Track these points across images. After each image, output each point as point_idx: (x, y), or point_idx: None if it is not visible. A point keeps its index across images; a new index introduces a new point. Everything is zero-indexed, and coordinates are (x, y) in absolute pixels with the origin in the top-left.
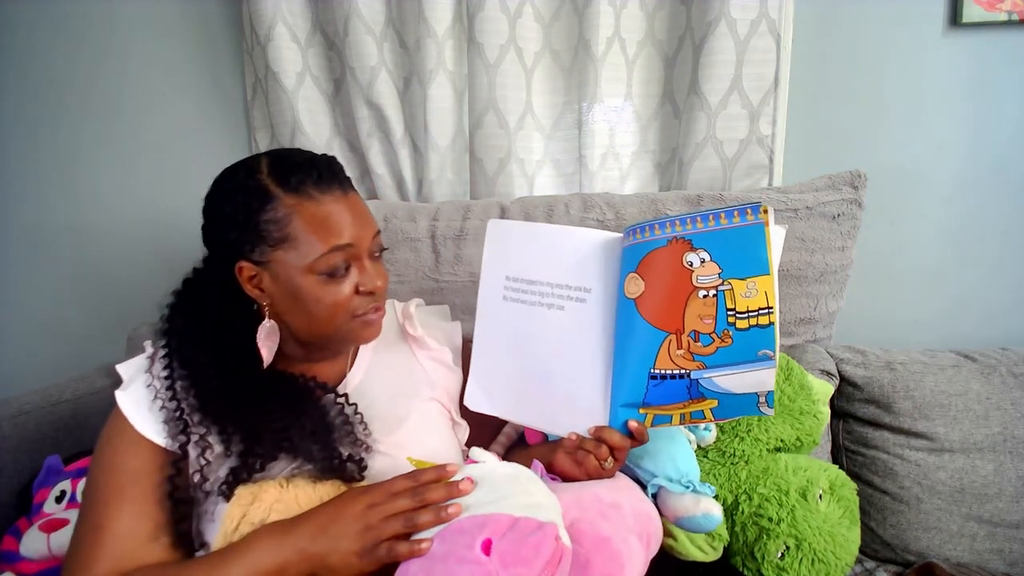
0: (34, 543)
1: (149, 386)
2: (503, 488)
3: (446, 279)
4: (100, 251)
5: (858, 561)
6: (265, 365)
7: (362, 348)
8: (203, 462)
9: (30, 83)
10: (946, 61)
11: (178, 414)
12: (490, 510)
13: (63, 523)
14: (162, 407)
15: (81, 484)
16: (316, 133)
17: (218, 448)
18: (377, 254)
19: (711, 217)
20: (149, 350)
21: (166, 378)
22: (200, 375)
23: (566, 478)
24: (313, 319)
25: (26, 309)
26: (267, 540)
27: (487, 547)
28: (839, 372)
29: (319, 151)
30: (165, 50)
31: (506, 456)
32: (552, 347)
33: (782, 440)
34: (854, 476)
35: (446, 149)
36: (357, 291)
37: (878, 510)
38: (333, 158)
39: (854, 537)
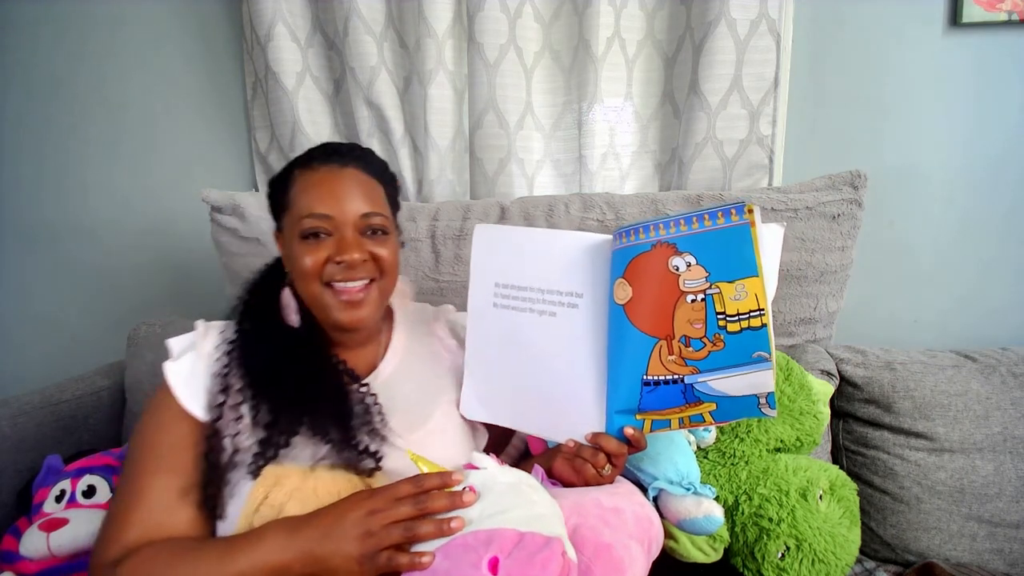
0: (34, 543)
1: (203, 355)
2: (506, 499)
3: (446, 279)
4: (100, 251)
5: (858, 561)
6: (296, 325)
7: (394, 343)
8: (234, 431)
9: (30, 82)
10: (946, 61)
11: (226, 372)
12: (494, 524)
13: (63, 522)
14: (211, 365)
15: (80, 484)
16: (316, 133)
17: (247, 419)
18: (370, 233)
19: (695, 219)
20: (201, 328)
21: (230, 342)
22: (254, 340)
23: (565, 484)
24: (297, 280)
25: (27, 309)
26: (276, 537)
27: (494, 565)
28: (839, 372)
29: None
30: (165, 50)
31: (515, 467)
32: (546, 354)
33: (782, 441)
34: (854, 476)
35: (446, 149)
36: (331, 259)
37: (878, 510)
38: (366, 148)
39: (854, 537)
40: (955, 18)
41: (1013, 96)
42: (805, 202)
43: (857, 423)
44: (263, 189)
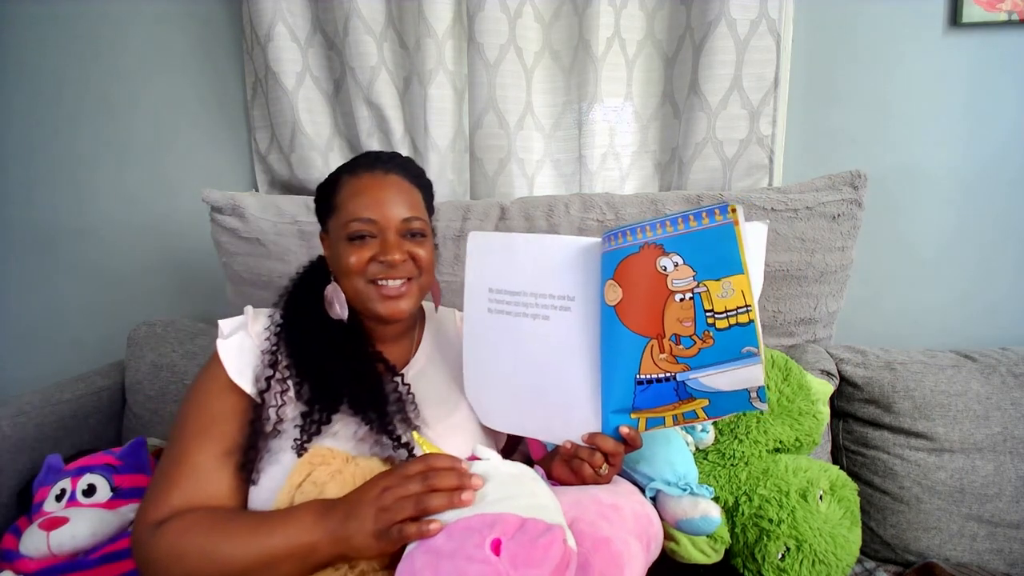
0: (34, 541)
1: (252, 335)
2: (509, 487)
3: (446, 279)
4: (100, 251)
5: (858, 561)
6: (344, 318)
7: (424, 340)
8: (279, 402)
9: (29, 82)
10: (946, 61)
11: (274, 350)
12: (497, 509)
13: (63, 521)
14: (260, 344)
15: (80, 483)
16: (316, 133)
17: (291, 392)
18: (409, 235)
19: (680, 220)
20: (250, 312)
21: (278, 325)
22: (301, 326)
23: (564, 485)
24: (342, 277)
25: (27, 309)
26: (307, 518)
27: (496, 547)
28: (839, 372)
29: (319, 151)
30: (165, 50)
31: None
32: (541, 357)
33: (781, 441)
34: (854, 476)
35: (446, 149)
36: (375, 259)
37: (878, 510)
38: (407, 157)
39: (855, 538)
40: (955, 18)
41: (1012, 96)
42: (805, 202)
43: (857, 423)
44: (263, 189)
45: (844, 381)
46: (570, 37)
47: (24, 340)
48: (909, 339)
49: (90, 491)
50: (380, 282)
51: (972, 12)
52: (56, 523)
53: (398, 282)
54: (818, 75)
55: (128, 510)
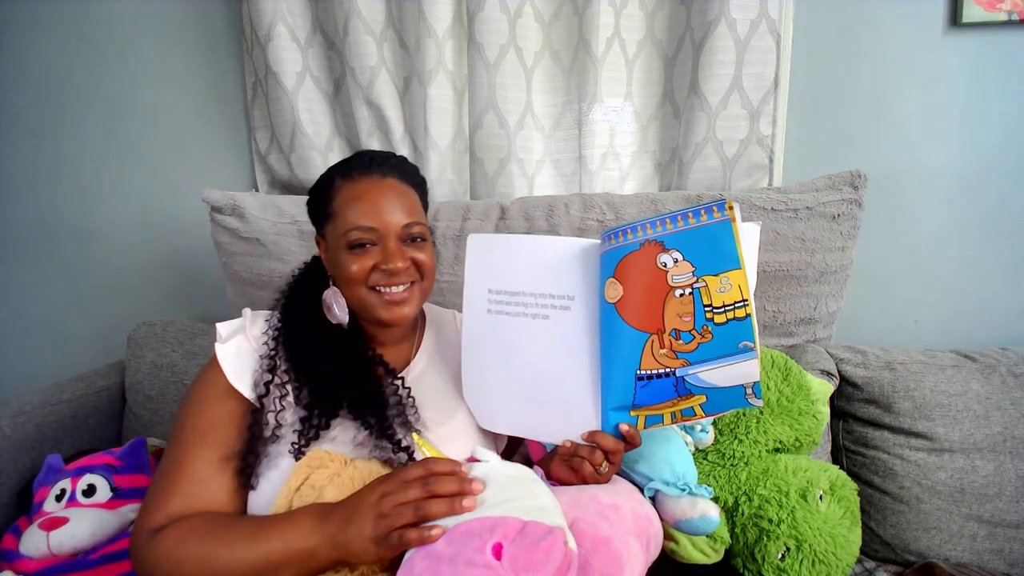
0: (34, 541)
1: (251, 338)
2: (509, 490)
3: (446, 279)
4: (100, 251)
5: (858, 561)
6: (345, 323)
7: (425, 342)
8: (278, 407)
9: (30, 82)
10: (946, 61)
11: (272, 354)
12: (497, 512)
13: (63, 521)
14: (258, 348)
15: (80, 483)
16: (316, 133)
17: (291, 398)
18: (410, 240)
19: (679, 218)
20: (248, 315)
21: (275, 328)
22: (299, 330)
23: (564, 485)
24: (343, 285)
25: (26, 309)
26: (306, 522)
27: (497, 551)
28: (839, 372)
29: (319, 151)
30: (165, 50)
31: None
32: (540, 356)
33: (781, 441)
34: (854, 476)
35: (446, 149)
36: (378, 267)
37: (878, 510)
38: (400, 156)
39: (855, 538)
40: (955, 18)
41: (1012, 96)
42: (805, 202)
43: (857, 423)
44: (263, 189)
45: (844, 381)
46: (570, 37)
47: (24, 339)
48: (909, 339)
49: (90, 491)
50: (382, 288)
51: (972, 12)
52: (56, 523)
53: (401, 288)
54: (818, 75)
55: (128, 510)
